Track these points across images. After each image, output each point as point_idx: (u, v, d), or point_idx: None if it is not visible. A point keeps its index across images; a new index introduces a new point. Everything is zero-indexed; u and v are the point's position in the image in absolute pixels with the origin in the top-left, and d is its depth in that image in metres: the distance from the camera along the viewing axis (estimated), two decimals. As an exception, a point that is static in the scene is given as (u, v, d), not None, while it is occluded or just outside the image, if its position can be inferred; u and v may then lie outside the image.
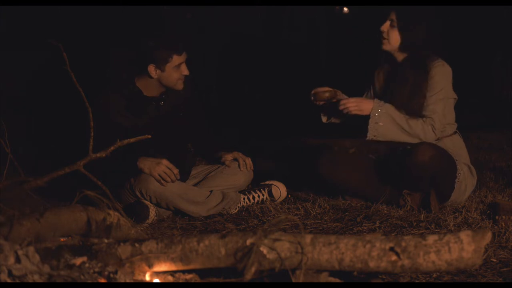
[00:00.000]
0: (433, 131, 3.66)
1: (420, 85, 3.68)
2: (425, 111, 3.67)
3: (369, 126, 3.68)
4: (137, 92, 3.68)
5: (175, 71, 3.65)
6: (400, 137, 3.69)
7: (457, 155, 3.74)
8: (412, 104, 3.69)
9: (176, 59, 3.64)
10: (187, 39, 3.65)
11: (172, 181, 3.61)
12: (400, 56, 3.75)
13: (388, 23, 3.70)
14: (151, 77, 3.66)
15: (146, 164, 3.59)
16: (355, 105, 3.70)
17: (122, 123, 3.61)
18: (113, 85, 3.70)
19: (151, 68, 3.63)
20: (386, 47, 3.74)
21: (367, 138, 3.71)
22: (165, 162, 3.60)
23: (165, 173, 3.59)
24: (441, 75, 3.69)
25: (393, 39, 3.71)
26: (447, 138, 3.77)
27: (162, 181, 3.59)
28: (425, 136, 3.66)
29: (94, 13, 6.37)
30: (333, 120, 3.99)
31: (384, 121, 3.67)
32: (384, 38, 3.72)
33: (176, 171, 3.62)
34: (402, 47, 3.72)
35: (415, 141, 3.68)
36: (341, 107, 3.72)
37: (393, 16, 3.70)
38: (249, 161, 3.94)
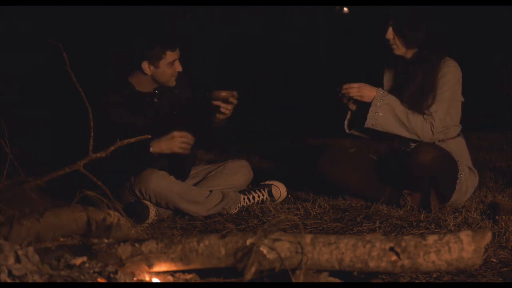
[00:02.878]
0: (431, 129, 3.66)
1: (430, 83, 3.67)
2: (429, 109, 3.67)
3: (368, 115, 3.68)
4: (131, 88, 3.68)
5: (168, 67, 3.66)
6: (397, 130, 3.68)
7: (459, 157, 3.73)
8: (420, 101, 3.67)
9: (170, 56, 3.64)
10: (182, 36, 3.66)
11: (192, 145, 3.65)
12: (409, 54, 3.75)
13: (391, 29, 3.69)
14: (144, 73, 3.66)
15: (161, 145, 3.61)
16: (357, 90, 3.69)
17: (122, 123, 3.61)
18: (113, 85, 3.70)
19: (145, 65, 3.64)
20: (398, 51, 3.72)
21: (365, 126, 3.69)
22: (176, 134, 3.62)
23: (184, 142, 3.62)
24: (453, 75, 3.69)
25: (401, 43, 3.70)
26: (451, 140, 3.77)
27: (186, 151, 3.64)
28: (422, 134, 3.66)
29: (94, 13, 6.38)
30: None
31: (384, 112, 3.66)
32: (393, 44, 3.71)
33: (190, 136, 3.65)
34: (408, 47, 3.72)
35: (413, 136, 3.68)
36: (343, 91, 3.70)
37: (392, 21, 3.69)
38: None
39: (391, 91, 3.80)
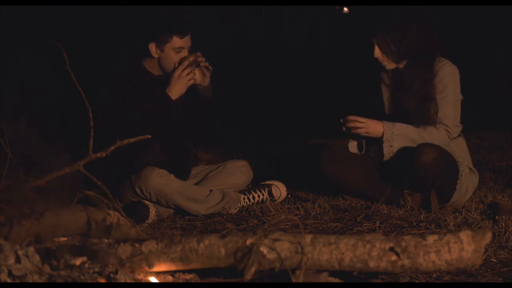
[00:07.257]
0: (449, 136, 3.69)
1: (427, 90, 3.66)
2: (437, 116, 3.67)
3: (384, 150, 3.71)
4: (143, 71, 3.69)
5: (174, 54, 3.65)
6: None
7: (460, 157, 3.74)
8: (423, 110, 3.67)
9: (177, 41, 3.64)
10: (194, 27, 3.63)
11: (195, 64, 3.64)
12: (402, 64, 3.74)
13: (377, 48, 3.67)
14: (152, 57, 3.68)
15: (176, 89, 3.63)
16: (365, 130, 3.69)
17: (131, 103, 3.62)
18: (122, 73, 3.70)
19: (152, 46, 3.65)
20: (390, 67, 3.72)
21: (384, 160, 3.72)
22: (177, 72, 3.62)
23: (189, 72, 3.63)
24: (450, 77, 3.69)
25: (390, 59, 3.69)
26: (452, 140, 3.77)
27: (198, 77, 3.66)
28: (439, 143, 3.67)
29: (94, 13, 6.38)
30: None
31: (398, 142, 3.69)
32: (383, 61, 3.70)
33: (187, 61, 3.62)
34: (399, 62, 3.71)
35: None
36: (350, 124, 3.70)
37: (376, 41, 3.67)
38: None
39: (390, 100, 3.80)
